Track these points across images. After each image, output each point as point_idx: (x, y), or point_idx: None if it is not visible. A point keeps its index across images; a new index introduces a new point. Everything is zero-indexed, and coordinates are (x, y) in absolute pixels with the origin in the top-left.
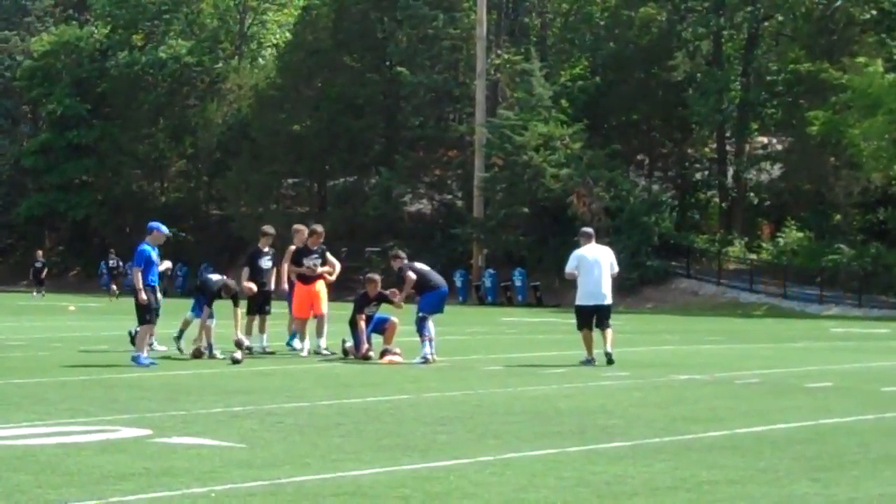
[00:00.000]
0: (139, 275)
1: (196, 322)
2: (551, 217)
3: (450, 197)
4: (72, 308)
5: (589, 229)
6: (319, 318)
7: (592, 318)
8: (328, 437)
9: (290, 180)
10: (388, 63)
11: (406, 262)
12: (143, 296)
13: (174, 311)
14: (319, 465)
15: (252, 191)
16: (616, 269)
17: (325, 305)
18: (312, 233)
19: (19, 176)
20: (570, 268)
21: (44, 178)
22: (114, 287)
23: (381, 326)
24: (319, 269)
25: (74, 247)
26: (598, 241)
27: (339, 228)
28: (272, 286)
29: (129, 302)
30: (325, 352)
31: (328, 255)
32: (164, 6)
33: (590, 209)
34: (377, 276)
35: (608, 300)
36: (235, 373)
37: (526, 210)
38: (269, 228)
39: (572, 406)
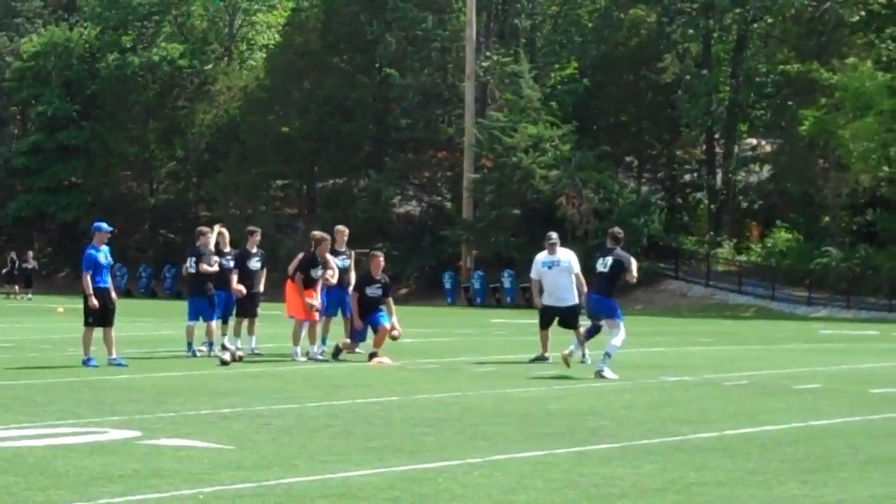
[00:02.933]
0: (87, 278)
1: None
2: (540, 218)
3: (439, 198)
4: (60, 310)
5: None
6: (313, 324)
7: (552, 318)
8: (317, 438)
9: (279, 182)
10: (377, 65)
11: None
12: (94, 301)
13: (167, 313)
14: (308, 466)
15: (241, 192)
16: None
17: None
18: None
19: (8, 177)
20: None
21: (33, 179)
22: None
23: (376, 326)
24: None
25: (63, 248)
26: (585, 243)
27: (328, 230)
28: (261, 288)
29: (119, 302)
30: (319, 357)
31: (329, 257)
32: (154, 8)
33: (579, 211)
34: (380, 254)
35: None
36: (224, 374)
37: (515, 211)
38: (255, 228)
39: (561, 408)
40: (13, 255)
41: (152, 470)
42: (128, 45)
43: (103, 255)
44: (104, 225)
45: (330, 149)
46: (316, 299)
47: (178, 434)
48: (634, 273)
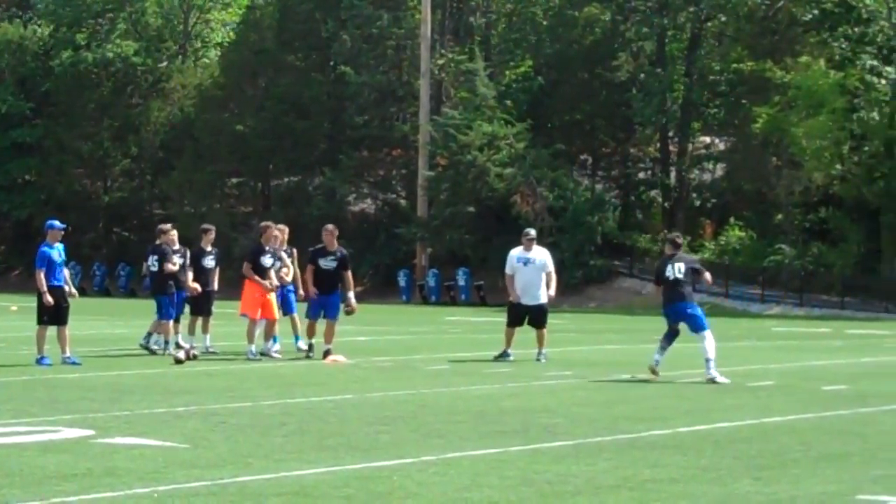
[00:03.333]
0: (41, 276)
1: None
2: (495, 216)
3: (394, 196)
4: (14, 308)
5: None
6: (270, 323)
7: (522, 316)
8: (271, 436)
9: (233, 180)
10: (332, 63)
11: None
12: (49, 298)
13: (121, 312)
14: (262, 464)
15: (195, 190)
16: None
17: (276, 310)
18: (267, 227)
19: None
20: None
21: None
22: None
23: (330, 312)
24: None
25: (17, 246)
26: (540, 241)
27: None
28: (215, 286)
29: (72, 300)
30: (275, 354)
31: (283, 255)
32: (109, 5)
33: (533, 209)
34: (332, 226)
35: (541, 301)
36: (179, 373)
37: (470, 209)
38: (210, 226)
39: (516, 405)
40: None
41: (106, 469)
42: (82, 43)
43: (57, 252)
44: (57, 223)
45: (285, 147)
46: (270, 283)
47: (132, 433)
48: (708, 276)
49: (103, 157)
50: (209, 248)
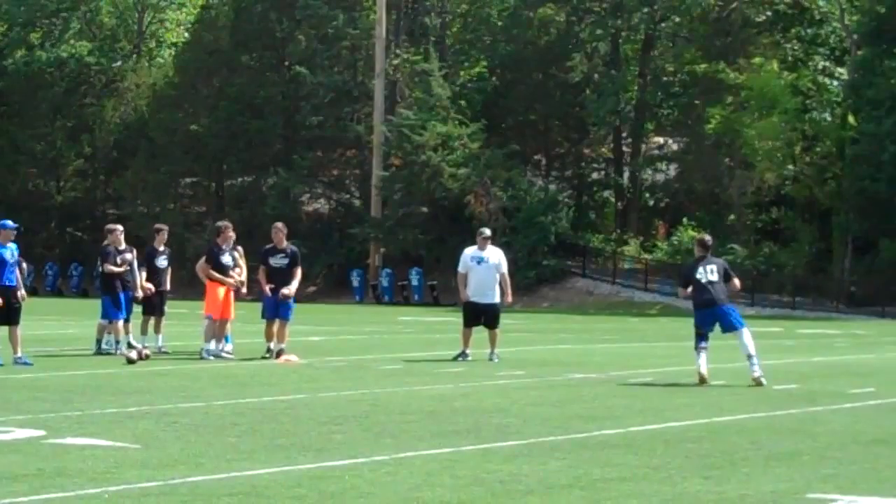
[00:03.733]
0: None
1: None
2: (449, 216)
3: (347, 196)
4: None
5: (484, 231)
6: (223, 323)
7: (477, 316)
8: (223, 436)
9: (187, 180)
10: (287, 63)
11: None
12: None
13: (73, 312)
14: (214, 464)
15: (149, 190)
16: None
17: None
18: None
19: None
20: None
21: None
22: None
23: (283, 312)
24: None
25: None
26: (494, 241)
27: (238, 228)
28: (168, 286)
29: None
30: (225, 355)
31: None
32: (63, 4)
33: (487, 209)
34: (282, 224)
35: (493, 300)
36: (131, 373)
37: (424, 209)
38: (163, 226)
39: (468, 405)
40: None
41: (57, 469)
42: (35, 42)
43: (10, 252)
44: (9, 222)
45: (239, 146)
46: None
47: (83, 433)
48: (737, 282)
49: (56, 156)
50: (162, 248)
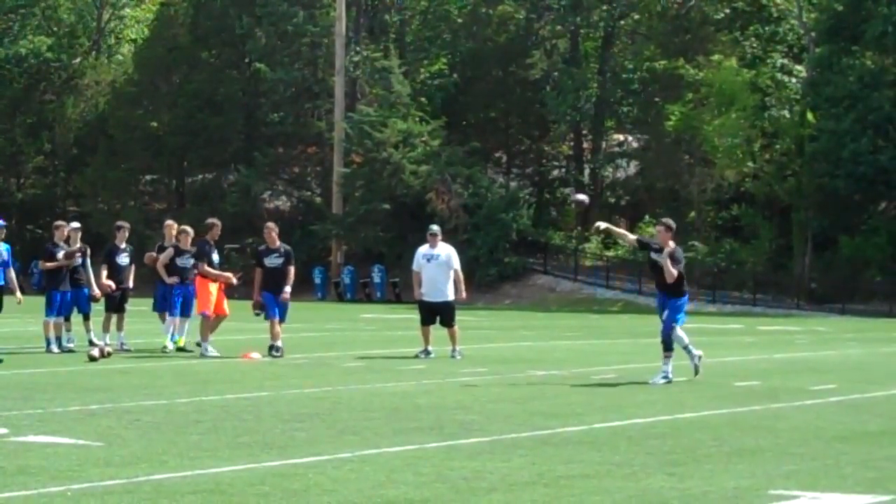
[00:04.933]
0: None
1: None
2: (410, 214)
3: (309, 193)
4: None
5: (432, 228)
6: (219, 318)
7: (432, 313)
8: (186, 434)
9: (147, 177)
10: (247, 60)
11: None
12: None
13: (34, 309)
14: (177, 462)
15: (110, 187)
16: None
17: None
18: (214, 225)
19: None
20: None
21: None
22: None
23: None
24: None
25: None
26: (454, 239)
27: (198, 225)
28: (130, 283)
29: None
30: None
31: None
32: (21, 0)
33: (448, 206)
34: (273, 224)
35: (445, 298)
36: (93, 370)
37: (385, 206)
38: (124, 223)
39: (431, 402)
40: None
41: (19, 467)
42: None
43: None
44: None
45: (199, 143)
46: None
47: (45, 431)
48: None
49: (16, 153)
50: (123, 246)
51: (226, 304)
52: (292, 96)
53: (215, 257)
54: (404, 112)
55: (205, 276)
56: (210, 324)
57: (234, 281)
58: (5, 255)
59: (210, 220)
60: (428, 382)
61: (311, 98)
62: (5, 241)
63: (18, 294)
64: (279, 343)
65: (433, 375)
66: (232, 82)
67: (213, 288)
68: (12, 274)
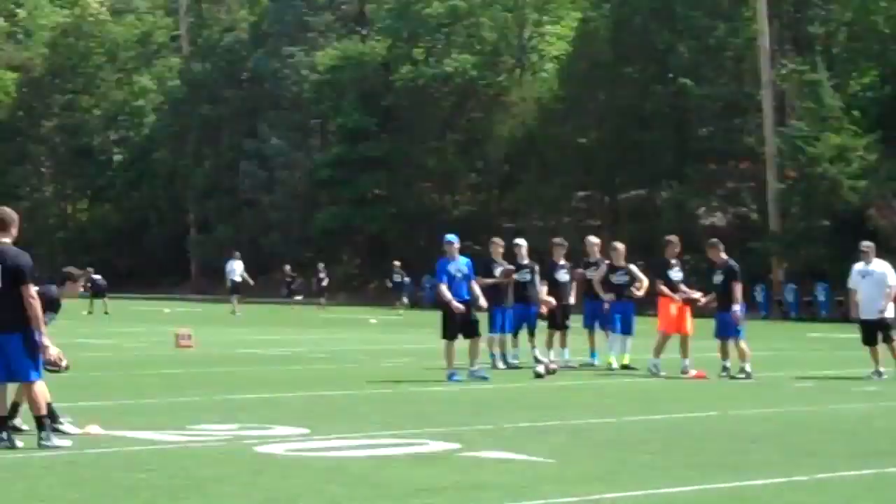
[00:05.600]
0: (444, 289)
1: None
2: (851, 230)
3: (744, 210)
4: (373, 321)
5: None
6: (684, 337)
7: (871, 332)
8: (637, 453)
9: (580, 193)
10: (670, 75)
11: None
12: (459, 306)
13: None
14: (629, 481)
15: (543, 203)
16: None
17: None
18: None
19: (313, 189)
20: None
21: (337, 190)
22: (404, 300)
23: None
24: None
25: (371, 260)
26: None
27: (634, 242)
28: (571, 300)
29: (422, 315)
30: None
31: (633, 268)
32: (445, 19)
33: (891, 222)
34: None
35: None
36: (540, 387)
37: (825, 223)
38: (561, 240)
39: (889, 425)
40: (321, 265)
41: (473, 482)
42: (420, 58)
43: (455, 266)
44: (451, 236)
45: (630, 160)
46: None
47: (497, 446)
48: None
49: (449, 171)
50: (562, 262)
51: (688, 322)
52: (720, 111)
53: (676, 275)
54: (837, 126)
55: (661, 294)
56: (666, 342)
57: (700, 299)
58: (466, 270)
59: (667, 238)
60: (884, 405)
61: (740, 112)
62: (463, 254)
63: (482, 300)
64: (748, 367)
65: (889, 398)
66: (657, 98)
67: (674, 307)
68: (476, 288)
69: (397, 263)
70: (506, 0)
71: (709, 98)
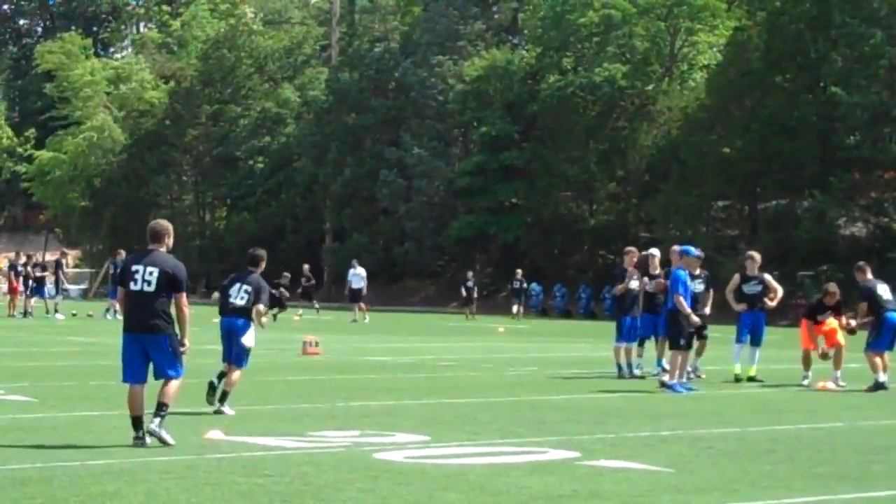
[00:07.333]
0: (682, 300)
1: None
2: None
3: (886, 220)
4: (501, 329)
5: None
6: (838, 350)
7: None
8: (759, 463)
9: (719, 203)
10: (821, 83)
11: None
12: (695, 319)
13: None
14: (749, 491)
15: (681, 213)
16: None
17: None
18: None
19: (450, 198)
20: None
21: (475, 199)
22: (518, 308)
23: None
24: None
25: (504, 268)
26: None
27: (771, 251)
28: (707, 310)
29: (549, 324)
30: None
31: (768, 278)
32: (596, 29)
33: None
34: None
35: None
36: (664, 396)
37: None
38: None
39: None
40: (469, 273)
41: (591, 491)
42: (568, 67)
43: (689, 279)
44: (692, 249)
45: (773, 169)
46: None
47: (617, 455)
48: None
49: (589, 180)
50: (697, 272)
51: (840, 334)
52: (869, 120)
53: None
54: None
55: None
56: (815, 356)
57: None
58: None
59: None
60: None
61: (890, 122)
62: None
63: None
64: (883, 378)
65: None
66: (806, 106)
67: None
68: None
69: (519, 272)
70: (660, 8)
71: (859, 106)
